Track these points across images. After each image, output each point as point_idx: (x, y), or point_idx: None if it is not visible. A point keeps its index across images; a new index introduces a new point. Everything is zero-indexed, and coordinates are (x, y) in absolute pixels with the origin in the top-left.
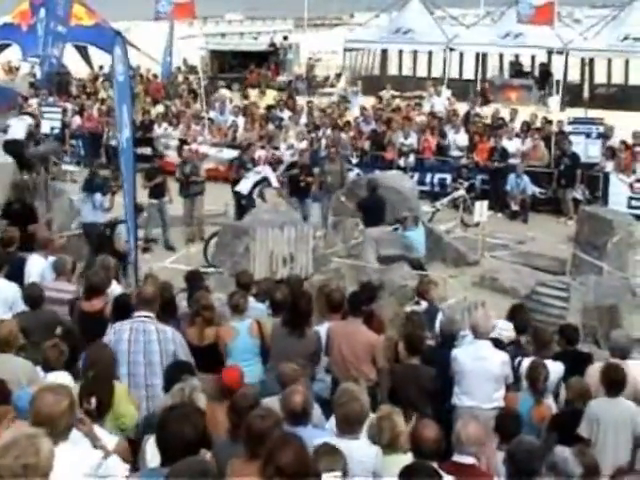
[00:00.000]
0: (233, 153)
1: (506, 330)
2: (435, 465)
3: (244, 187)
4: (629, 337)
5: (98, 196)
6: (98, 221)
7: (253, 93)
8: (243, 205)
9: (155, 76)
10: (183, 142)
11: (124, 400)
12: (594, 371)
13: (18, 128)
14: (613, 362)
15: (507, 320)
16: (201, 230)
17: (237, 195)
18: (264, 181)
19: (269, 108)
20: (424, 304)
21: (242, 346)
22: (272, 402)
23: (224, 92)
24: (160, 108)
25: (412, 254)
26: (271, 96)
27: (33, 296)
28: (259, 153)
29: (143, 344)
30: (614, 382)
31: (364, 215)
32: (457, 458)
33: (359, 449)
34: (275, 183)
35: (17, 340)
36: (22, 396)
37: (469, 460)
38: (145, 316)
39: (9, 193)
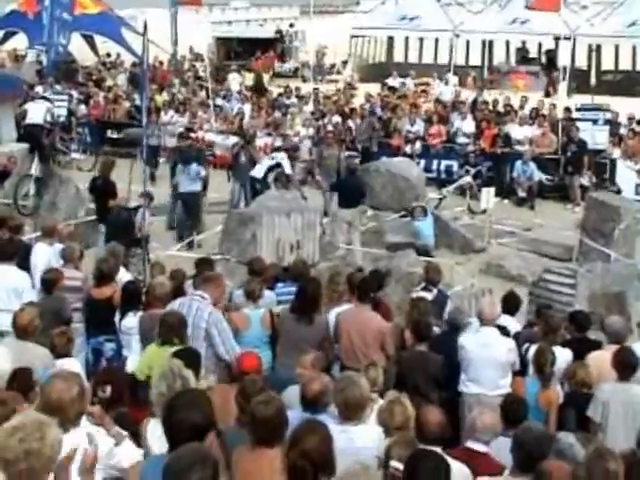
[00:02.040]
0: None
1: (509, 325)
2: (440, 450)
3: (258, 172)
4: (623, 322)
5: (194, 166)
6: (196, 190)
7: (249, 77)
8: (258, 190)
9: (161, 63)
10: (189, 130)
11: None
12: (593, 359)
13: (37, 112)
14: (625, 346)
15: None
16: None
17: (252, 180)
18: (278, 166)
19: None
20: (434, 291)
21: (254, 335)
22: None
23: (235, 76)
24: (166, 95)
25: (419, 241)
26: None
27: (49, 280)
28: (265, 140)
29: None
30: (626, 366)
31: (338, 196)
32: (471, 445)
33: (362, 434)
34: (288, 169)
35: (37, 328)
36: None
37: (483, 448)
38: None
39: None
